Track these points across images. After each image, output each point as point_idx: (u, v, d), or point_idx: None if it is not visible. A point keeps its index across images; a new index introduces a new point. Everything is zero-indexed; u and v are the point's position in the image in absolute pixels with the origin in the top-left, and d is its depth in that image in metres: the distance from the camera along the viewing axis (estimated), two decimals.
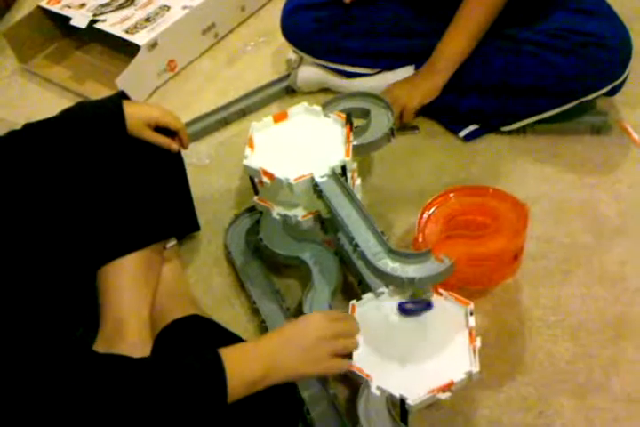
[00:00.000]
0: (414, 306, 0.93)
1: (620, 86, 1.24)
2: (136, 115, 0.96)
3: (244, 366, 0.74)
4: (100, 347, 0.95)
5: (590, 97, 1.24)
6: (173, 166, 1.08)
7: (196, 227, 1.17)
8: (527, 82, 1.23)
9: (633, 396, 0.96)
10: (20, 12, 1.82)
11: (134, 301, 0.99)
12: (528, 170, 1.27)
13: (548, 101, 1.25)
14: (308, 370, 0.79)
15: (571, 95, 1.24)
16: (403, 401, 0.83)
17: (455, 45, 1.25)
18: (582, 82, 1.21)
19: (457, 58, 1.25)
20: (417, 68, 1.35)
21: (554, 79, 1.21)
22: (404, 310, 0.94)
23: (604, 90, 1.23)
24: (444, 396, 0.84)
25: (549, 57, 1.21)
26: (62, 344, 0.77)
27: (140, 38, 1.48)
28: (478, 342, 0.89)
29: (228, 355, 0.74)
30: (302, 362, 0.78)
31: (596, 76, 1.21)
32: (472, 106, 1.30)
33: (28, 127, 0.92)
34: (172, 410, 0.69)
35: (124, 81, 1.46)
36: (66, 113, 0.94)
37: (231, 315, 1.11)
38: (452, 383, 0.84)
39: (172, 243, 1.12)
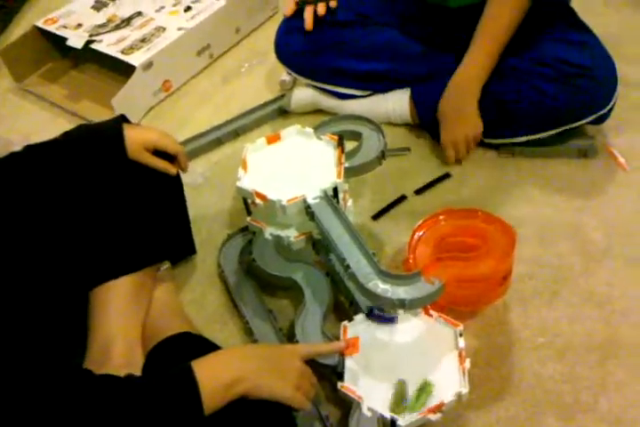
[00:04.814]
0: (382, 314, 0.97)
1: (606, 116, 1.27)
2: (134, 138, 0.96)
3: (215, 369, 0.75)
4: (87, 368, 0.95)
5: (574, 125, 1.26)
6: (172, 190, 1.08)
7: (192, 250, 1.17)
8: (512, 106, 1.25)
9: (621, 417, 0.97)
10: (16, 32, 1.84)
11: (122, 323, 0.98)
12: (516, 192, 1.29)
13: (530, 126, 1.28)
14: (275, 386, 0.78)
15: (554, 122, 1.26)
16: (393, 422, 0.84)
17: (481, 63, 1.24)
18: (567, 110, 1.24)
19: (484, 76, 1.24)
20: (412, 91, 1.37)
21: (539, 105, 1.23)
22: (371, 315, 0.97)
23: (589, 119, 1.26)
24: (434, 417, 0.85)
25: (536, 83, 1.23)
26: (49, 364, 0.77)
27: (135, 59, 1.50)
28: (468, 364, 0.90)
29: (199, 361, 0.75)
30: (271, 376, 0.78)
31: (581, 105, 1.24)
32: None
33: (29, 149, 0.92)
34: (149, 419, 0.69)
35: (119, 100, 1.47)
36: (66, 136, 0.95)
37: (224, 334, 1.12)
38: (442, 404, 0.85)
39: (165, 266, 1.12)
